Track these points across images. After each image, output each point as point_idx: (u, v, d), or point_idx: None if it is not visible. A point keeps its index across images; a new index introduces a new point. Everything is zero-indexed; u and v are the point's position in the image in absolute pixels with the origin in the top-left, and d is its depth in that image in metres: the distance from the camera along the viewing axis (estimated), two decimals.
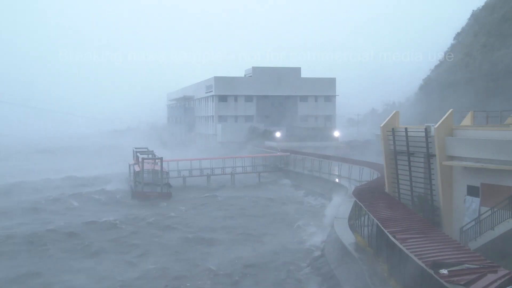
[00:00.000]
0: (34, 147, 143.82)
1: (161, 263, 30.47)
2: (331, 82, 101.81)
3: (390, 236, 20.67)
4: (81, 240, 35.95)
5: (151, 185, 56.28)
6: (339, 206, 39.97)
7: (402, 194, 29.84)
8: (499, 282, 14.26)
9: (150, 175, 57.72)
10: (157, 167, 57.33)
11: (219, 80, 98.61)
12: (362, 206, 28.13)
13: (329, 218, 40.22)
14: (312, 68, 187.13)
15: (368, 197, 29.75)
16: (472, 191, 25.17)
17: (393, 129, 29.84)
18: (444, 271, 15.46)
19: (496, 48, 72.60)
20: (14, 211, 46.95)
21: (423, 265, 16.67)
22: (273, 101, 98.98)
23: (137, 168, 58.09)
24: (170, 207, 49.61)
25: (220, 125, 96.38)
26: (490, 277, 14.62)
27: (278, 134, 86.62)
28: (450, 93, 74.37)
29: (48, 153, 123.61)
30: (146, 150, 69.82)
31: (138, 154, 63.17)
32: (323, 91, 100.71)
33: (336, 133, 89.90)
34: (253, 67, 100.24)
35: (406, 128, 28.95)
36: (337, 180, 54.23)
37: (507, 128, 25.89)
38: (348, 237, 28.73)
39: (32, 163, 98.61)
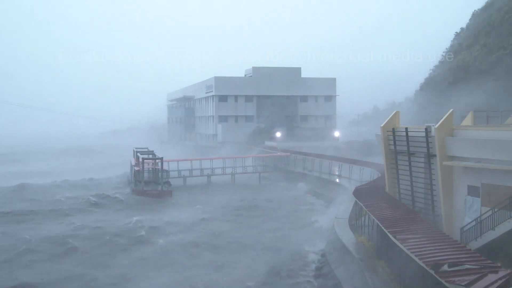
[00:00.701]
0: (37, 148, 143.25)
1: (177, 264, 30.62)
2: (331, 82, 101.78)
3: (390, 236, 20.67)
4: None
5: (151, 184, 56.34)
6: (339, 206, 39.98)
7: (403, 194, 29.84)
8: (499, 282, 14.26)
9: (150, 174, 57.81)
10: (157, 167, 57.51)
11: (219, 80, 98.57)
12: (363, 206, 28.14)
13: (329, 218, 40.24)
14: (312, 68, 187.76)
15: (368, 197, 29.75)
16: (473, 191, 25.17)
17: (393, 129, 29.83)
18: (444, 271, 15.46)
19: (496, 48, 72.59)
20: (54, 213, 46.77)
21: (423, 265, 16.67)
22: (273, 101, 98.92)
23: (137, 168, 58.19)
24: (176, 209, 48.80)
25: (220, 125, 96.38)
26: (491, 277, 14.61)
27: (278, 134, 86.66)
28: (450, 93, 74.38)
29: (56, 154, 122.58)
30: (146, 150, 69.96)
31: (138, 154, 63.26)
32: (323, 91, 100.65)
33: (336, 133, 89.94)
34: (253, 67, 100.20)
35: (406, 128, 28.94)
36: (337, 180, 54.24)
37: (507, 128, 25.87)
38: (348, 237, 28.74)
39: (45, 164, 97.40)
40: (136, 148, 71.05)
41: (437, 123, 26.62)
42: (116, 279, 28.04)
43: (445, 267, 15.38)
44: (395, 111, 31.34)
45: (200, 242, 35.57)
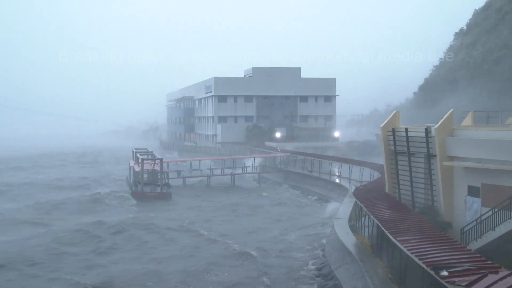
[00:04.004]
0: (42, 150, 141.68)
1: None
2: (331, 82, 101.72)
3: (391, 237, 20.61)
4: None
5: (150, 185, 56.17)
6: (339, 206, 39.91)
7: (403, 195, 29.80)
8: (500, 283, 14.21)
9: (149, 176, 57.63)
10: (157, 168, 57.31)
11: (218, 80, 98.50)
12: (363, 206, 28.09)
13: (329, 219, 40.18)
14: (312, 68, 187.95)
15: (368, 197, 29.70)
16: (473, 191, 25.14)
17: (393, 129, 29.80)
18: (444, 272, 15.41)
19: (496, 48, 72.59)
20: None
21: (424, 266, 16.62)
22: (273, 102, 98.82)
23: (136, 168, 58.01)
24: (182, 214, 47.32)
25: (220, 126, 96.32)
26: (491, 278, 14.56)
27: (278, 135, 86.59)
28: (450, 93, 74.38)
29: (67, 156, 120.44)
30: (146, 150, 69.79)
31: (138, 155, 63.12)
32: (323, 92, 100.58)
33: (336, 134, 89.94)
34: (252, 67, 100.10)
35: (406, 129, 28.91)
36: (337, 180, 54.18)
37: (507, 128, 25.85)
38: (348, 238, 28.68)
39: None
40: (135, 149, 70.89)
41: (437, 123, 26.59)
42: None
43: (444, 273, 15.33)
44: (395, 111, 31.31)
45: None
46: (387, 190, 31.48)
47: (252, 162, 68.99)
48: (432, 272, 15.84)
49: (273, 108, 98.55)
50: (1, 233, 38.31)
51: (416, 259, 17.39)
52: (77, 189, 61.65)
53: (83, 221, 42.17)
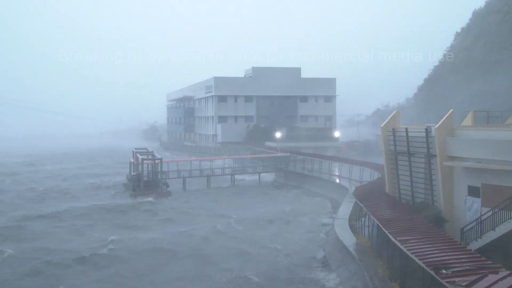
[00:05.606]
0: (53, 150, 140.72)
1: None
2: (331, 82, 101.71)
3: (391, 237, 20.62)
4: None
5: (150, 185, 56.14)
6: (339, 206, 39.94)
7: (403, 195, 29.81)
8: (500, 283, 14.22)
9: (149, 176, 57.65)
10: (157, 169, 57.43)
11: (218, 80, 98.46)
12: (363, 206, 28.11)
13: (329, 219, 40.20)
14: (312, 68, 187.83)
15: (368, 197, 29.72)
16: (473, 191, 25.14)
17: (393, 129, 29.82)
18: (445, 272, 15.42)
19: (496, 48, 72.58)
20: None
21: (424, 266, 16.63)
22: (273, 102, 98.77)
23: (135, 169, 58.12)
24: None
25: (220, 126, 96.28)
26: (491, 278, 14.57)
27: (278, 135, 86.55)
28: (450, 93, 74.37)
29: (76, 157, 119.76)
30: (145, 150, 69.78)
31: (137, 154, 63.12)
32: (323, 92, 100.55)
33: (337, 134, 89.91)
34: (253, 67, 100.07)
35: (406, 129, 28.94)
36: (337, 180, 54.18)
37: (507, 128, 25.85)
38: (348, 238, 28.70)
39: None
40: (135, 149, 70.88)
41: (437, 123, 26.61)
42: None
43: (445, 272, 15.34)
44: (395, 111, 31.35)
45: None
46: (387, 190, 31.49)
47: (252, 162, 68.82)
48: (433, 272, 15.85)
49: (273, 108, 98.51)
50: None
51: (416, 259, 17.40)
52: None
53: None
